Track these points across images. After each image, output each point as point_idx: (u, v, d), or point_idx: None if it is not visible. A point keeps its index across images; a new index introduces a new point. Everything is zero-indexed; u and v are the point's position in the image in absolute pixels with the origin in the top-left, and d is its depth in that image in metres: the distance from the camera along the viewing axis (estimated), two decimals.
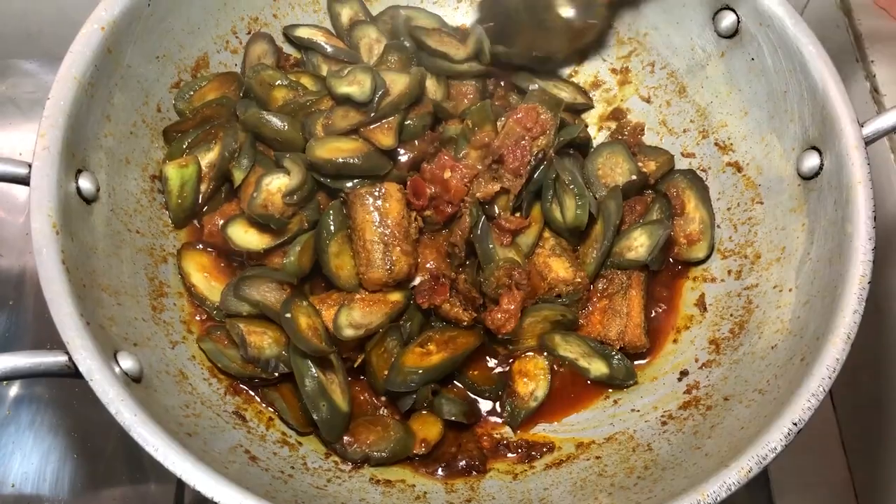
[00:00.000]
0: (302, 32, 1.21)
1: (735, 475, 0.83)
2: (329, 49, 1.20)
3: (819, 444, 1.32)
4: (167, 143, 1.12)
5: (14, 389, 1.22)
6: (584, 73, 1.29)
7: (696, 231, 1.16)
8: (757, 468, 0.83)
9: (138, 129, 1.08)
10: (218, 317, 1.06)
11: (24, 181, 0.92)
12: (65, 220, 0.91)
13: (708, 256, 1.16)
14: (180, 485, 1.16)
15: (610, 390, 1.10)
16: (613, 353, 1.09)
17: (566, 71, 1.29)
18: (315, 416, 0.98)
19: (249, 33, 1.21)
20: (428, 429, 1.04)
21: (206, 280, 1.08)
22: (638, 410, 1.07)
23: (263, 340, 1.02)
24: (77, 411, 1.20)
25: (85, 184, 0.96)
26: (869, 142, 1.00)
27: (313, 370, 0.99)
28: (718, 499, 0.82)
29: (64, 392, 1.21)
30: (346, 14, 1.24)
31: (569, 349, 1.10)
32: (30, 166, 0.92)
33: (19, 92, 1.47)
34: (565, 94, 1.24)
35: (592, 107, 1.27)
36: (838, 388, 1.22)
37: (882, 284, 1.18)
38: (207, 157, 1.10)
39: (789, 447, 0.85)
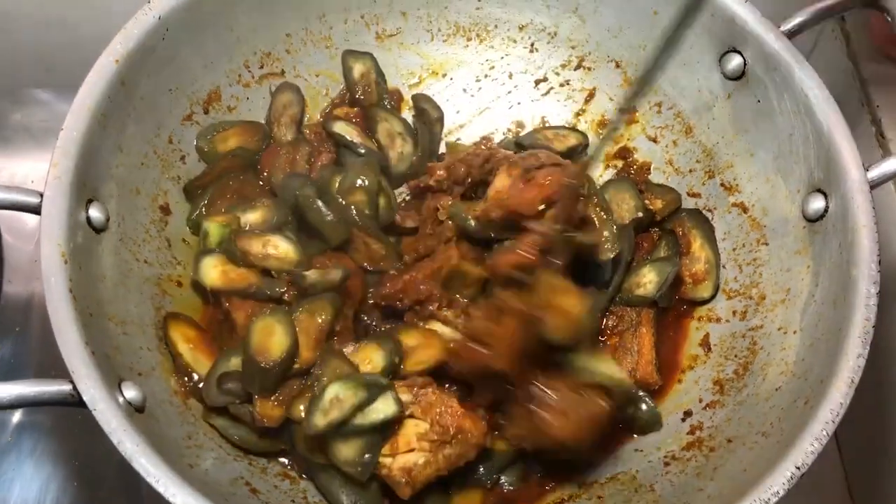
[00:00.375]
0: (338, 128, 1.20)
1: None
2: (361, 150, 1.19)
3: (825, 490, 1.31)
4: (188, 199, 1.14)
5: (17, 416, 1.22)
6: (592, 112, 1.30)
7: (702, 270, 1.17)
8: None
9: (149, 160, 1.09)
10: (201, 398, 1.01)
11: (35, 210, 0.93)
12: (74, 249, 0.91)
13: (713, 296, 1.16)
14: None
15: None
16: (643, 396, 1.08)
17: (574, 110, 1.30)
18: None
19: (262, 67, 1.22)
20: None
21: (192, 352, 1.03)
22: (641, 450, 1.07)
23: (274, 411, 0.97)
24: (79, 439, 1.19)
25: (95, 213, 0.97)
26: (874, 185, 1.01)
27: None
28: None
29: (66, 420, 1.20)
30: (357, 70, 1.26)
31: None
32: (41, 195, 0.93)
33: (33, 121, 1.49)
34: (572, 139, 1.24)
35: (587, 143, 1.26)
36: (844, 431, 1.21)
37: (888, 328, 1.18)
38: (247, 218, 1.10)
39: (793, 491, 0.84)
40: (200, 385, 1.00)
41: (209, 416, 1.00)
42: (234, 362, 0.99)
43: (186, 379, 1.01)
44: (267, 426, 0.95)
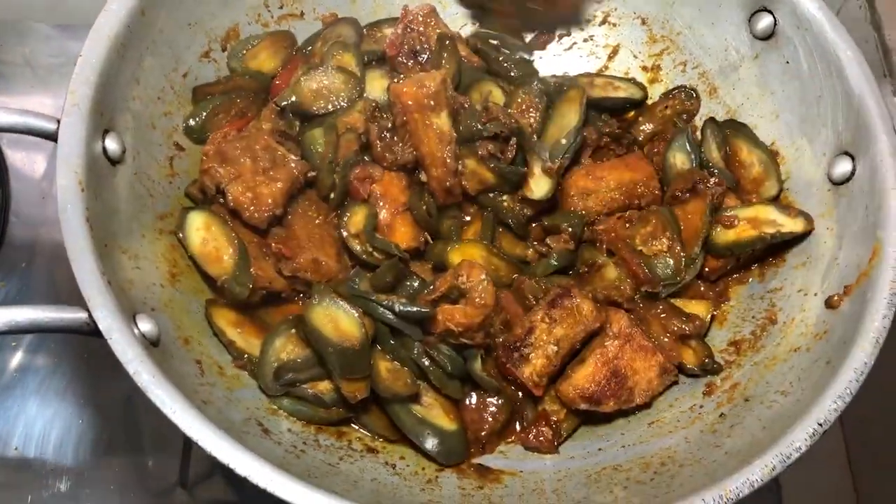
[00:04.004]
0: None
1: (759, 472, 0.82)
2: None
3: (825, 462, 1.31)
4: (195, 102, 1.11)
5: (18, 357, 1.20)
6: (614, 69, 1.28)
7: (760, 172, 1.15)
8: (780, 466, 0.82)
9: (166, 95, 1.07)
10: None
11: (51, 136, 0.91)
12: (90, 178, 0.89)
13: (780, 190, 1.13)
14: (185, 457, 1.15)
15: None
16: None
17: (596, 66, 1.28)
18: (426, 448, 0.97)
19: (282, 7, 1.20)
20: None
21: (242, 336, 1.02)
22: (653, 408, 1.06)
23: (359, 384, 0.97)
24: (83, 380, 1.18)
25: (111, 144, 0.95)
26: None
27: (406, 406, 0.98)
28: (741, 495, 0.81)
29: (68, 362, 1.19)
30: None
31: None
32: (58, 122, 0.90)
33: (38, 56, 1.45)
34: (622, 90, 1.23)
35: (647, 97, 1.25)
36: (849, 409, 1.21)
37: None
38: None
39: (793, 464, 0.84)
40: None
41: (274, 401, 0.99)
42: (285, 349, 0.99)
43: (246, 360, 1.01)
44: (359, 398, 0.95)
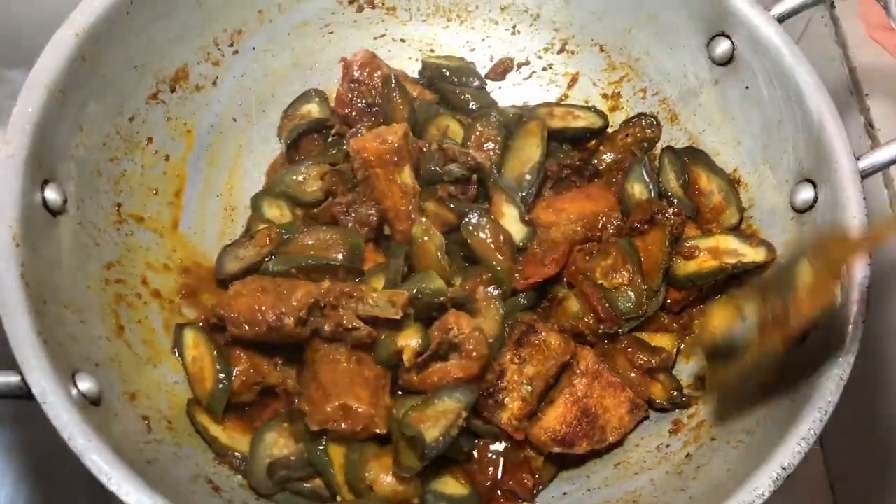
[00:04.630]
0: None
1: None
2: None
3: (807, 487, 1.29)
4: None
5: None
6: (574, 97, 1.26)
7: (720, 200, 1.12)
8: None
9: (111, 141, 1.04)
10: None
11: None
12: (27, 232, 0.86)
13: (740, 220, 1.12)
14: None
15: None
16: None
17: (556, 95, 1.26)
18: None
19: (232, 45, 1.17)
20: None
21: (226, 433, 0.98)
22: (621, 446, 1.03)
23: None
24: (35, 432, 1.14)
25: (51, 195, 0.92)
26: (864, 176, 0.98)
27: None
28: None
29: (23, 410, 1.15)
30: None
31: None
32: None
33: None
34: (582, 119, 1.20)
35: (608, 125, 1.22)
36: (827, 430, 1.19)
37: (879, 323, 1.15)
38: None
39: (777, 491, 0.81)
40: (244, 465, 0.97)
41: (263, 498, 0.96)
42: (276, 444, 0.95)
43: (230, 456, 0.97)
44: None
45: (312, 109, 1.21)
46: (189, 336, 1.02)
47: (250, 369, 0.99)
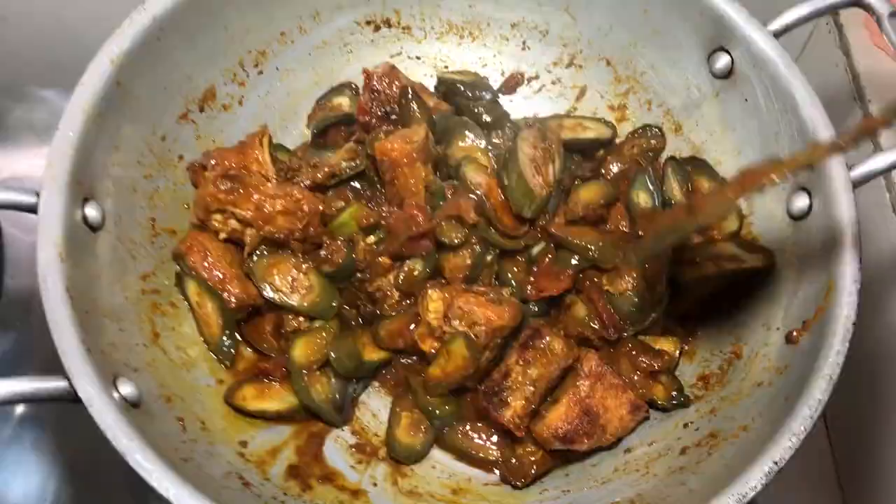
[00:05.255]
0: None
1: None
2: None
3: (815, 480, 1.32)
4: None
5: (19, 409, 1.24)
6: (583, 109, 1.31)
7: None
8: None
9: (145, 159, 1.11)
10: None
11: (32, 209, 0.95)
12: (70, 248, 0.93)
13: (740, 226, 1.16)
14: None
15: None
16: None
17: (565, 107, 1.32)
18: None
19: (256, 66, 1.24)
20: None
21: (256, 401, 1.08)
22: (630, 450, 1.09)
23: None
24: (82, 432, 1.20)
25: (91, 212, 0.99)
26: (858, 183, 1.02)
27: None
28: None
29: (69, 413, 1.22)
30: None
31: None
32: (38, 195, 0.95)
33: (35, 118, 1.50)
34: (591, 130, 1.26)
35: (616, 135, 1.27)
36: (834, 422, 1.23)
37: (875, 323, 1.19)
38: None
39: (784, 481, 0.85)
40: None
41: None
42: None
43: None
44: None
45: (343, 103, 1.28)
46: (191, 285, 1.10)
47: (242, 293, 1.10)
